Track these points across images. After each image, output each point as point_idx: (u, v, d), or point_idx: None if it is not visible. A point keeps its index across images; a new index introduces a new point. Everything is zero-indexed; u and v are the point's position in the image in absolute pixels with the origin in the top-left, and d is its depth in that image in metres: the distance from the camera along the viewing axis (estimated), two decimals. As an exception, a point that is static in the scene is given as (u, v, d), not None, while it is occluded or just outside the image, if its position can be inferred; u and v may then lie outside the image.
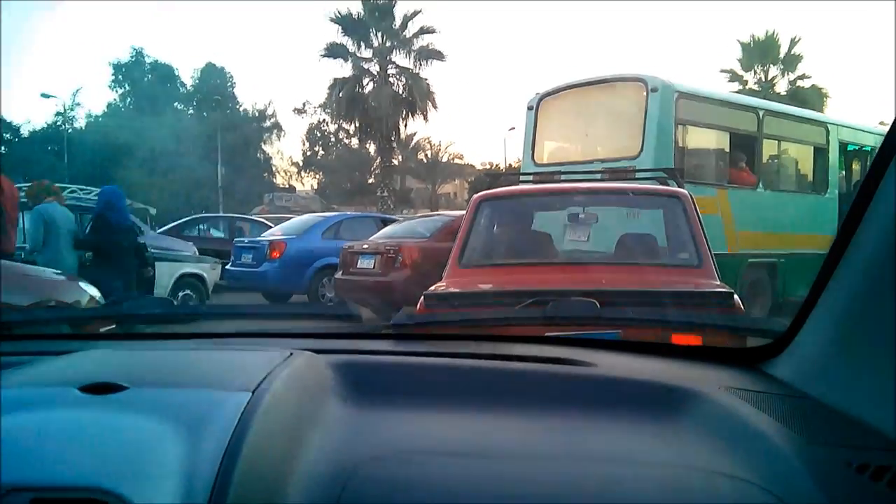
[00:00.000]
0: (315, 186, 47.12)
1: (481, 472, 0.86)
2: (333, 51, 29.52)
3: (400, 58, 30.01)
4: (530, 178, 6.31)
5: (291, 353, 1.09)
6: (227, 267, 11.81)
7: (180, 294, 9.81)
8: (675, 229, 4.13)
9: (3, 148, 37.88)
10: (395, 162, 37.70)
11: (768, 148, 9.69)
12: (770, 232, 9.28)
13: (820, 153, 10.13)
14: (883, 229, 0.92)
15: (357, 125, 31.24)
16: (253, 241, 12.18)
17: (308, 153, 47.92)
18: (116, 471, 0.71)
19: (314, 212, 26.94)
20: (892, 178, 0.90)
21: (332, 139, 46.98)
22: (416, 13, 29.52)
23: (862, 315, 0.99)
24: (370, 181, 39.37)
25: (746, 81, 34.31)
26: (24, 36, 74.18)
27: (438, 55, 29.72)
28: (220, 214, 19.41)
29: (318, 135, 47.05)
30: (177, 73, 45.88)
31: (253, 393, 0.88)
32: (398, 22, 29.63)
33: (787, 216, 9.44)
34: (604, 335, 1.62)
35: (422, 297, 3.31)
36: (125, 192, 11.50)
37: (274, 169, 48.21)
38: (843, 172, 10.59)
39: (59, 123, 39.30)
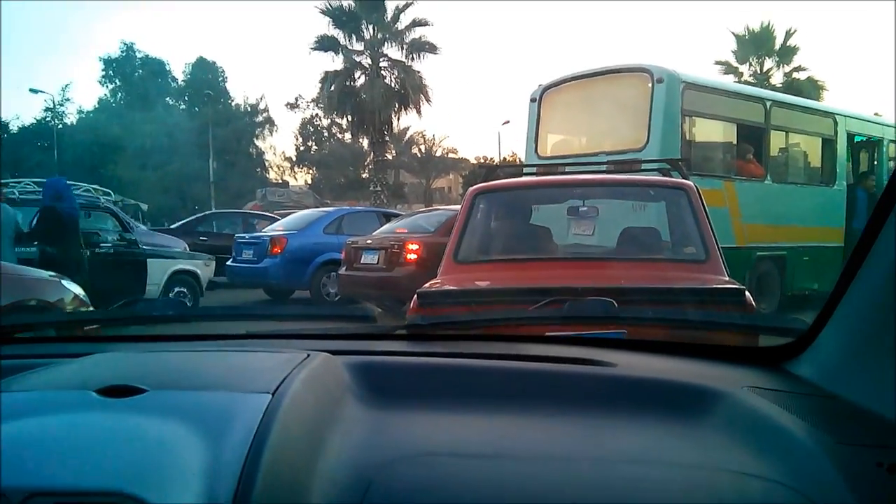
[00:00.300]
0: (308, 181, 46.92)
1: (503, 473, 0.86)
2: (324, 44, 29.17)
3: (392, 50, 29.70)
4: (533, 170, 6.16)
5: (308, 355, 1.07)
6: (228, 263, 11.72)
7: (174, 290, 9.68)
8: (680, 222, 3.95)
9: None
10: (389, 156, 37.48)
11: (776, 139, 9.57)
12: (778, 224, 9.16)
13: (828, 144, 10.01)
14: None
15: (349, 119, 30.94)
16: (254, 236, 12.04)
17: (301, 148, 47.75)
18: (138, 474, 0.70)
19: (307, 207, 26.84)
20: None
21: (326, 134, 46.80)
22: (408, 5, 29.16)
23: (888, 312, 0.97)
24: (364, 176, 39.12)
25: (742, 73, 34.17)
26: (11, 31, 73.50)
27: (431, 48, 29.42)
28: (235, 210, 19.30)
29: (311, 129, 46.87)
30: (168, 68, 45.79)
31: (273, 395, 0.87)
32: (390, 14, 29.28)
33: (795, 208, 9.34)
34: (609, 334, 1.61)
35: (415, 296, 3.13)
36: (118, 187, 11.36)
37: (267, 164, 48.15)
38: (851, 164, 10.44)
39: (48, 119, 38.97)
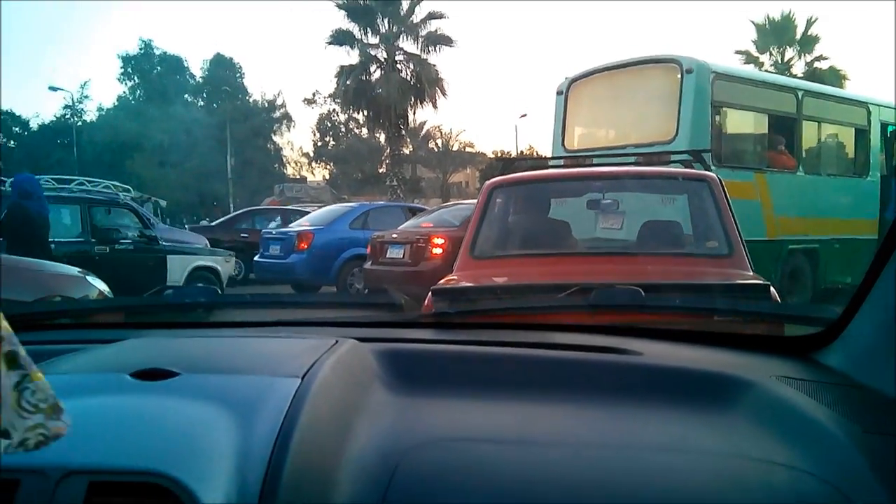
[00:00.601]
0: (326, 177, 47.00)
1: (529, 459, 0.86)
2: (340, 38, 29.15)
3: (407, 44, 29.65)
4: (560, 162, 6.03)
5: (337, 341, 1.09)
6: (256, 259, 11.86)
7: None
8: (702, 216, 3.83)
9: (12, 142, 37.87)
10: (406, 151, 37.47)
11: (808, 130, 9.37)
12: (810, 217, 9.01)
13: (861, 134, 9.81)
14: None
15: (365, 114, 30.88)
16: (281, 232, 12.08)
17: (319, 144, 47.81)
18: (171, 454, 0.72)
19: (325, 203, 26.88)
20: None
21: (343, 129, 46.78)
22: (422, -2, 29.07)
23: None
24: (381, 171, 39.10)
25: (762, 63, 33.81)
26: (31, 29, 74.21)
27: (447, 41, 29.30)
28: (276, 206, 19.38)
29: (329, 125, 46.90)
30: (186, 65, 46.07)
31: (302, 379, 0.88)
32: (405, 7, 29.22)
33: (827, 200, 9.19)
34: (628, 324, 1.60)
35: (429, 293, 3.02)
36: (138, 184, 11.40)
37: (284, 160, 48.30)
38: (884, 154, 10.22)
39: (67, 116, 39.26)
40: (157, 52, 44.95)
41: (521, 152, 43.72)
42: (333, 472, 0.79)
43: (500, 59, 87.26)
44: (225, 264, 10.36)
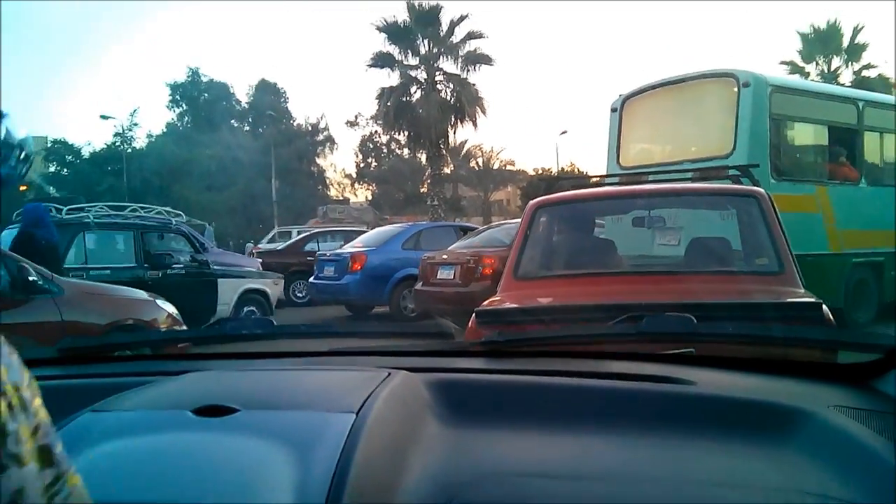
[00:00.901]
0: (369, 198, 47.40)
1: (584, 495, 0.85)
2: (380, 60, 29.43)
3: (447, 64, 29.72)
4: (616, 180, 6.00)
5: (389, 373, 1.09)
6: (311, 280, 12.12)
7: (244, 310, 9.84)
8: (751, 232, 3.73)
9: (65, 170, 38.97)
10: (447, 170, 37.55)
11: (870, 141, 9.17)
12: (875, 229, 8.75)
13: None
14: None
15: (407, 134, 31.10)
16: (335, 253, 12.28)
17: (361, 165, 48.36)
18: (231, 492, 0.73)
19: (367, 223, 27.12)
20: None
21: (385, 150, 47.25)
22: (462, 18, 29.19)
23: None
24: (422, 190, 39.29)
25: (808, 73, 33.24)
26: (82, 60, 76.83)
27: (486, 59, 29.34)
28: (338, 228, 19.66)
29: (371, 146, 47.45)
30: (232, 91, 47.04)
31: (357, 414, 0.89)
32: (445, 28, 29.36)
33: (891, 212, 8.84)
34: (678, 352, 1.58)
35: (473, 315, 2.98)
36: (185, 208, 11.65)
37: (327, 181, 48.87)
38: None
39: (117, 144, 40.28)
40: (204, 80, 46.09)
41: (562, 169, 43.57)
42: None
43: (540, 76, 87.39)
44: (274, 287, 10.50)
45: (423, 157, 34.39)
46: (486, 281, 8.27)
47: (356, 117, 45.72)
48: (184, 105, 45.76)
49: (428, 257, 9.72)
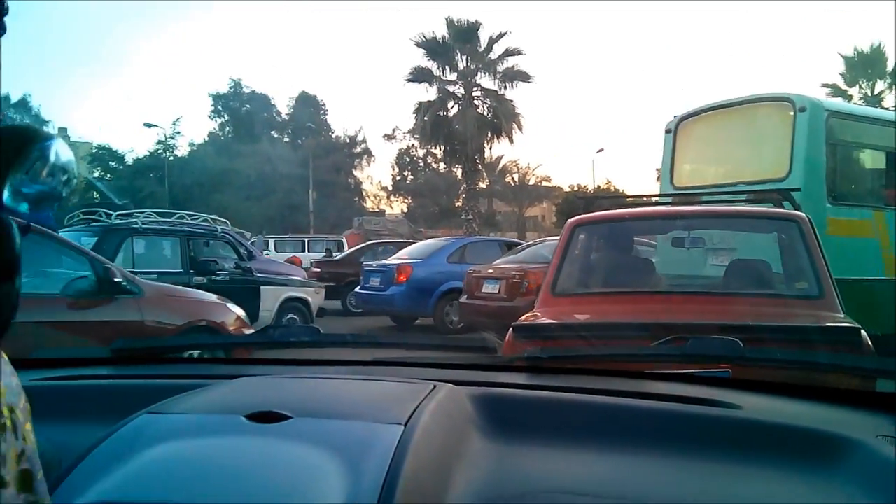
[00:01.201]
0: (404, 210, 47.70)
1: None
2: (418, 75, 29.68)
3: (485, 80, 29.82)
4: (669, 199, 6.14)
5: (434, 386, 1.11)
6: (356, 290, 12.31)
7: (286, 317, 9.98)
8: (792, 256, 3.75)
9: (108, 175, 39.99)
10: (482, 185, 37.64)
11: None
12: None
13: None
14: None
15: (443, 148, 31.27)
16: (381, 264, 12.42)
17: (397, 177, 48.76)
18: (283, 498, 0.75)
19: (402, 236, 27.32)
20: None
21: (421, 164, 47.57)
22: (501, 35, 29.35)
23: None
24: (457, 204, 39.45)
25: (851, 97, 32.64)
26: (127, 69, 78.97)
27: (524, 76, 29.40)
28: (396, 240, 19.82)
29: (407, 159, 47.82)
30: (273, 103, 47.73)
31: (405, 426, 0.90)
32: (483, 44, 29.50)
33: None
34: (714, 373, 1.60)
35: (510, 329, 3.07)
36: (224, 217, 11.96)
37: (364, 193, 49.28)
38: None
39: (160, 151, 41.14)
40: (246, 91, 46.92)
41: (598, 187, 43.34)
42: None
43: (578, 93, 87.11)
44: (315, 295, 10.63)
45: (458, 172, 34.52)
46: (531, 296, 8.19)
47: (393, 131, 46.23)
48: (225, 115, 46.58)
49: (473, 271, 9.82)
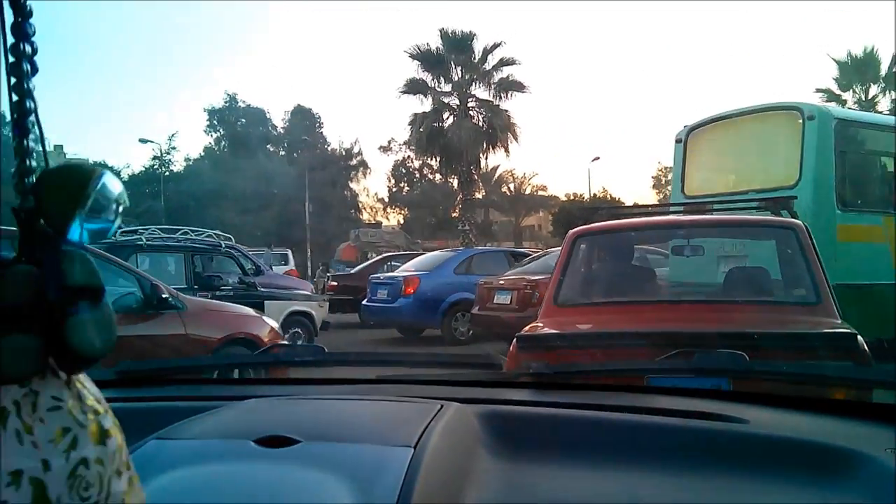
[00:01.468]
0: (400, 222, 47.75)
1: None
2: (413, 86, 29.77)
3: (480, 90, 29.93)
4: (681, 209, 6.23)
5: (441, 406, 1.11)
6: (364, 303, 12.34)
7: (290, 331, 10.00)
8: (789, 263, 3.81)
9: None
10: (478, 195, 37.69)
11: None
12: None
13: None
14: None
15: (439, 159, 31.32)
16: (388, 277, 12.53)
17: (393, 189, 48.79)
18: None
19: (399, 247, 27.34)
20: None
21: (417, 175, 47.64)
22: (496, 45, 29.41)
23: None
24: (454, 215, 39.51)
25: (845, 101, 32.73)
26: (122, 85, 79.12)
27: (519, 87, 29.45)
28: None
29: (403, 171, 47.93)
30: (268, 116, 47.84)
31: (414, 448, 0.90)
32: (478, 55, 29.57)
33: None
34: (709, 382, 1.61)
35: (514, 340, 3.07)
36: (221, 231, 11.97)
37: (360, 205, 49.39)
38: None
39: (156, 167, 41.19)
40: (242, 105, 47.04)
41: (594, 195, 43.45)
42: None
43: (573, 103, 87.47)
44: (319, 309, 10.66)
45: (454, 183, 34.61)
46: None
47: (389, 142, 46.23)
48: (221, 130, 46.65)
49: (485, 282, 9.92)
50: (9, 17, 0.53)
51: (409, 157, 45.00)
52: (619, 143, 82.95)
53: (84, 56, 74.37)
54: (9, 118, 0.55)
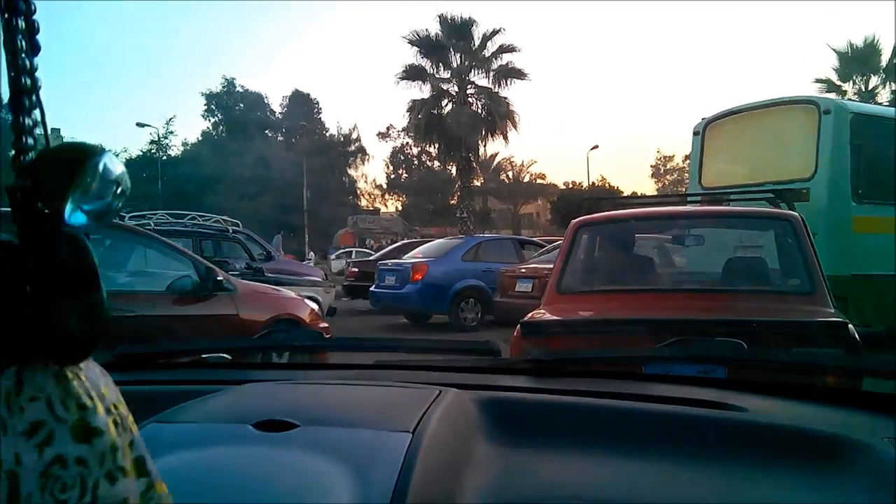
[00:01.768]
0: (399, 208, 47.75)
1: None
2: (412, 73, 29.53)
3: (479, 77, 29.70)
4: (698, 199, 6.42)
5: (440, 391, 1.11)
6: (372, 289, 12.38)
7: None
8: (785, 254, 3.92)
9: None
10: (477, 183, 37.64)
11: None
12: None
13: None
14: None
15: (437, 146, 31.20)
16: (396, 263, 12.55)
17: (392, 176, 48.75)
18: None
19: (396, 234, 27.39)
20: None
21: (415, 162, 47.60)
22: (495, 32, 29.13)
23: None
24: (452, 202, 39.51)
25: (845, 92, 32.63)
26: (120, 69, 78.72)
27: (519, 74, 29.22)
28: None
29: (402, 158, 47.87)
30: (267, 101, 47.70)
31: (413, 433, 0.90)
32: (477, 41, 29.32)
33: None
34: (708, 371, 1.63)
35: (518, 326, 3.16)
36: (218, 215, 11.97)
37: (358, 192, 49.33)
38: None
39: (153, 151, 41.01)
40: (240, 90, 46.87)
41: (593, 183, 43.42)
42: None
43: (572, 91, 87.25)
44: (325, 295, 10.65)
45: (453, 170, 34.52)
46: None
47: (388, 129, 46.20)
48: (219, 115, 46.52)
49: (507, 270, 10.04)
50: None
51: (407, 143, 45.04)
52: (618, 132, 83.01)
53: (82, 39, 73.93)
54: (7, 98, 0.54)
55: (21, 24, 0.53)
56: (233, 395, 1.14)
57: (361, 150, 48.23)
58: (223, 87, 46.77)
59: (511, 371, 1.55)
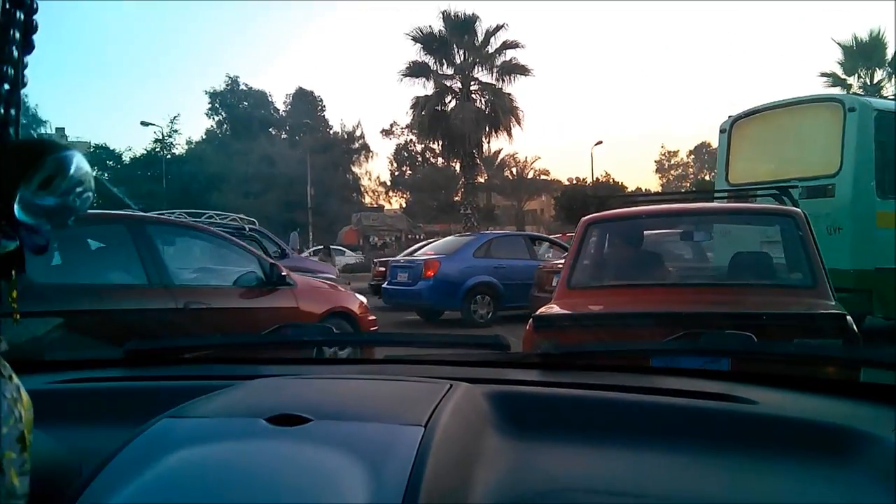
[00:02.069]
0: (403, 205, 47.76)
1: None
2: (415, 70, 29.46)
3: (483, 74, 29.63)
4: (725, 195, 6.65)
5: (451, 385, 1.11)
6: (384, 286, 12.51)
7: None
8: (788, 249, 4.06)
9: (106, 174, 39.92)
10: (481, 179, 37.62)
11: None
12: None
13: None
14: None
15: (441, 143, 31.16)
16: (409, 260, 12.63)
17: (396, 173, 48.77)
18: (306, 501, 0.74)
19: (400, 231, 27.40)
20: None
21: (419, 159, 47.57)
22: (498, 28, 29.07)
23: None
24: (456, 199, 39.47)
25: (850, 86, 32.47)
26: (124, 68, 78.82)
27: (523, 70, 29.18)
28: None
29: (405, 155, 47.85)
30: (270, 99, 47.75)
31: (425, 427, 0.90)
32: (480, 38, 29.25)
33: None
34: (712, 364, 1.65)
35: (530, 320, 3.25)
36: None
37: (362, 189, 49.39)
38: None
39: (157, 150, 41.08)
40: (243, 88, 46.93)
41: (597, 179, 43.42)
42: None
43: (576, 86, 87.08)
44: None
45: (457, 166, 34.46)
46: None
47: (391, 126, 46.28)
48: (223, 113, 46.64)
49: (543, 266, 10.10)
50: None
51: (411, 140, 45.02)
52: (622, 128, 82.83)
53: (86, 39, 74.08)
54: None
55: (20, 16, 0.53)
56: (245, 390, 1.14)
57: (365, 148, 48.37)
58: (227, 85, 46.94)
59: (520, 365, 1.56)
